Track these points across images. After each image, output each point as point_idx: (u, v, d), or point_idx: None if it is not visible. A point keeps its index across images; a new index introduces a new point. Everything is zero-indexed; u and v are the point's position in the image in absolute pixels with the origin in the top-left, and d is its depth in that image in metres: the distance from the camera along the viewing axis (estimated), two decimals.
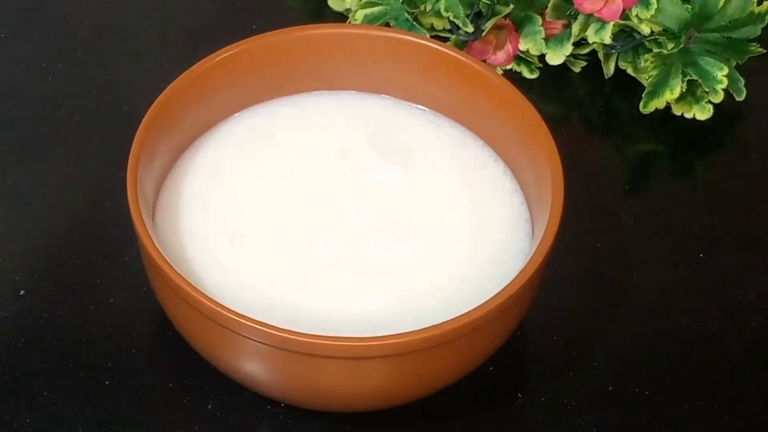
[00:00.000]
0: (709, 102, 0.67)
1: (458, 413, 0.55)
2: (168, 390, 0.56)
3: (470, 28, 0.67)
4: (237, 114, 0.59)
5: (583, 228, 0.61)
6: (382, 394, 0.52)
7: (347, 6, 0.70)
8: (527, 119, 0.55)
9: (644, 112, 0.68)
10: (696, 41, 0.67)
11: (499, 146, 0.58)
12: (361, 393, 0.51)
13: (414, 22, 0.68)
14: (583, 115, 0.71)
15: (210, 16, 0.73)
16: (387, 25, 0.68)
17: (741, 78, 0.68)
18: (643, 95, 0.67)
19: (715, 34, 0.67)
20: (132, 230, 0.51)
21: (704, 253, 0.62)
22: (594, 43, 0.68)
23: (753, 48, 0.67)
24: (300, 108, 0.60)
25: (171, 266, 0.49)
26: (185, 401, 0.55)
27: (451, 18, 0.67)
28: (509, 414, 0.56)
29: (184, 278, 0.49)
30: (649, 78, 0.67)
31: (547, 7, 0.68)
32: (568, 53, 0.68)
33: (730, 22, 0.66)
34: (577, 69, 0.70)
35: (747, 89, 0.68)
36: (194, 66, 0.56)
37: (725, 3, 0.66)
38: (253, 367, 0.51)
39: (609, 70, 0.70)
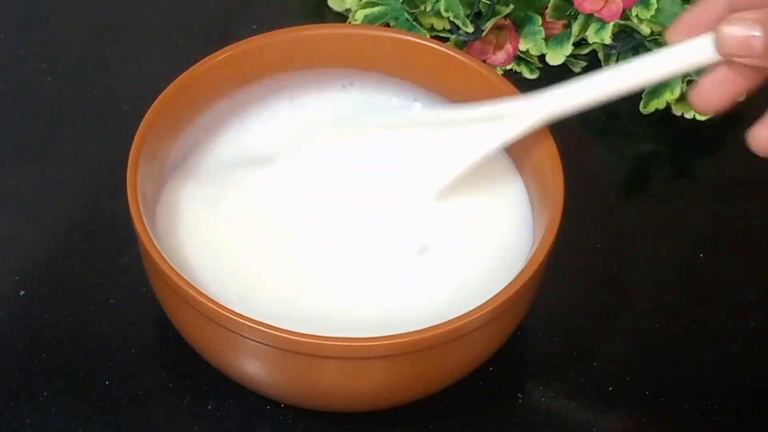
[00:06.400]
0: None
1: (458, 413, 0.55)
2: (168, 390, 0.56)
3: (470, 28, 0.67)
4: (237, 114, 0.59)
5: (583, 228, 0.61)
6: (382, 394, 0.52)
7: (347, 6, 0.70)
8: None
9: (644, 113, 0.68)
10: None
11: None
12: (361, 393, 0.51)
13: (414, 22, 0.68)
14: (583, 115, 0.70)
15: (210, 16, 0.73)
16: (387, 25, 0.68)
17: None
18: (643, 95, 0.67)
19: None
20: (132, 230, 0.51)
21: (704, 253, 0.62)
22: (594, 43, 0.68)
23: None
24: (298, 107, 0.59)
25: (171, 266, 0.49)
26: (185, 401, 0.55)
27: (451, 18, 0.67)
28: (509, 414, 0.56)
29: (183, 278, 0.49)
30: None
31: (547, 7, 0.68)
32: (568, 53, 0.68)
33: None
34: (577, 69, 0.70)
35: None
36: (194, 66, 0.56)
37: None
38: (253, 367, 0.51)
39: None
